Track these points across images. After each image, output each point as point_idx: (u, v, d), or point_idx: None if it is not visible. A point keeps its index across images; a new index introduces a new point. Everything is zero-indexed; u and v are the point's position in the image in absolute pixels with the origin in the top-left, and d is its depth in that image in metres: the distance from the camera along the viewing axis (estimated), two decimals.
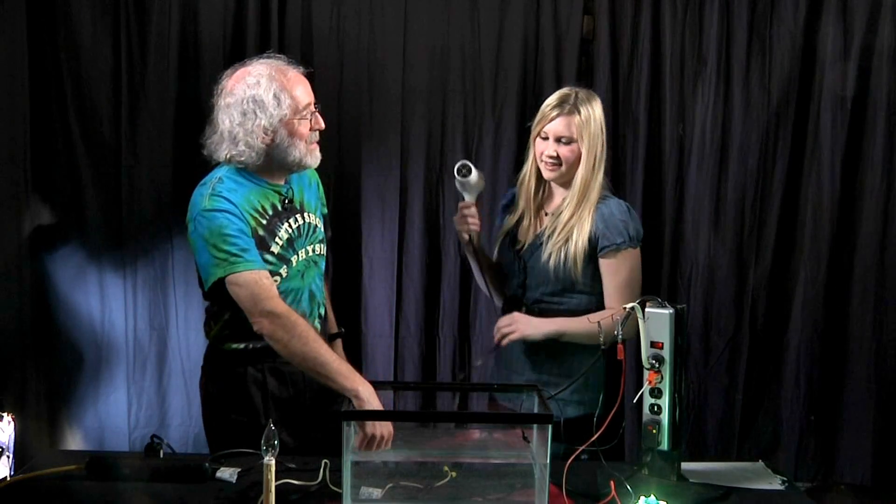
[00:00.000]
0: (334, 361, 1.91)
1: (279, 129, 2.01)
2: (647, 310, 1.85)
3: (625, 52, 3.05)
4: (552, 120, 2.18)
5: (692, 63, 3.04)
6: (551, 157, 2.19)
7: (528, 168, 2.28)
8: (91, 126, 2.98)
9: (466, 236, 2.30)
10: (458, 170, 2.24)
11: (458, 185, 2.26)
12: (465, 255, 3.08)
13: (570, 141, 2.16)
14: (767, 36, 3.01)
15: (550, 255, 2.17)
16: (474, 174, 2.24)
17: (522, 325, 2.19)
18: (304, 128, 2.04)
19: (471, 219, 2.29)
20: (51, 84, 2.95)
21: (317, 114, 2.08)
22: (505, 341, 2.20)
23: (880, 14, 2.97)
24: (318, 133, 2.10)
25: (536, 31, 3.04)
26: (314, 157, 2.09)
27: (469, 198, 2.28)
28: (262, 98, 1.98)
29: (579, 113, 2.15)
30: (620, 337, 1.89)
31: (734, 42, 3.02)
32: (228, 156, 2.02)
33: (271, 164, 2.06)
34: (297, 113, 2.02)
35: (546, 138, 2.20)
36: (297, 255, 2.11)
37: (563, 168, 2.19)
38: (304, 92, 2.04)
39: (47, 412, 3.02)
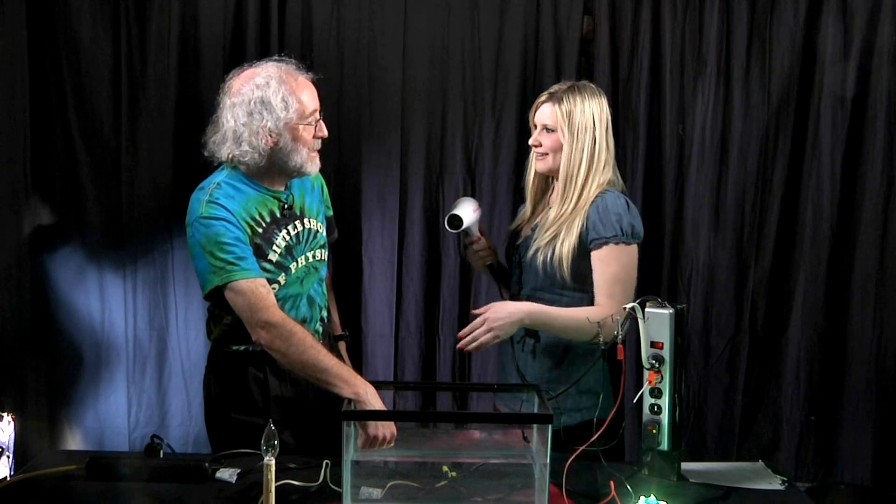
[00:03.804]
0: (334, 367, 1.91)
1: (283, 133, 2.00)
2: (647, 310, 1.85)
3: (625, 52, 3.04)
4: (539, 108, 2.18)
5: (692, 63, 3.03)
6: (534, 145, 2.19)
7: (530, 161, 2.27)
8: (91, 126, 2.98)
9: (485, 268, 2.33)
10: (448, 223, 2.20)
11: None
12: (466, 257, 3.10)
13: (552, 129, 2.14)
14: (767, 36, 3.01)
15: (538, 250, 2.14)
16: (467, 218, 2.21)
17: (492, 329, 2.05)
18: (307, 134, 2.04)
19: (481, 252, 2.31)
20: (51, 84, 2.95)
21: (321, 122, 2.08)
22: (476, 345, 2.07)
23: (880, 14, 2.97)
24: (319, 141, 2.09)
25: (536, 31, 3.04)
26: (314, 165, 2.09)
27: (473, 231, 2.28)
28: (270, 100, 1.98)
29: (561, 102, 2.13)
30: (620, 337, 1.89)
31: (734, 42, 3.02)
32: (231, 155, 2.02)
33: (272, 168, 2.05)
34: (302, 118, 2.01)
35: (535, 129, 2.20)
36: (297, 263, 2.10)
37: (549, 158, 2.17)
38: (310, 98, 2.04)
39: (47, 412, 3.02)
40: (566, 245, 2.10)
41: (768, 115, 3.04)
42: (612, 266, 2.10)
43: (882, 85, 2.99)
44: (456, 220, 2.20)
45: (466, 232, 2.27)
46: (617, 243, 2.09)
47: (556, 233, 2.12)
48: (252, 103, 1.98)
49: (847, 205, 3.06)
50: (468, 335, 2.07)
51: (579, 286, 2.14)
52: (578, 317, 2.04)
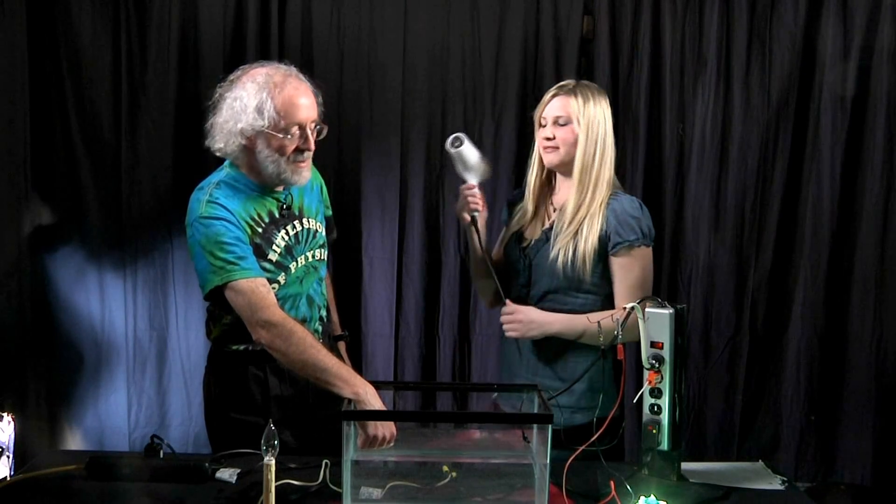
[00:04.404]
0: (334, 366, 1.91)
1: (258, 139, 1.98)
2: (647, 310, 1.85)
3: (625, 52, 3.05)
4: (549, 102, 2.15)
5: (692, 63, 3.04)
6: (548, 138, 2.14)
7: (532, 161, 2.23)
8: (91, 126, 2.98)
9: (468, 217, 2.21)
10: (451, 142, 2.16)
11: (454, 161, 2.18)
12: (465, 257, 3.09)
13: (566, 122, 2.11)
14: (767, 36, 3.01)
15: (559, 252, 2.11)
16: (467, 146, 2.16)
17: (521, 325, 2.15)
18: (286, 144, 1.98)
19: (471, 199, 2.19)
20: (51, 85, 2.95)
21: (308, 134, 2.00)
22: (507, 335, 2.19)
23: (880, 14, 2.97)
24: (307, 153, 2.03)
25: (536, 32, 3.04)
26: (299, 175, 2.03)
27: (472, 179, 2.20)
28: (246, 104, 1.96)
29: (576, 95, 2.11)
30: (620, 338, 1.89)
31: (734, 42, 3.02)
32: (216, 145, 2.02)
33: (260, 170, 2.04)
34: (276, 128, 1.96)
35: (545, 125, 2.16)
36: (296, 262, 2.10)
37: (562, 151, 2.13)
38: (297, 109, 1.97)
39: (47, 412, 3.02)
40: (588, 243, 2.09)
41: (768, 115, 3.04)
42: (634, 270, 2.11)
43: (882, 85, 2.99)
44: (457, 141, 2.15)
45: (466, 176, 2.19)
46: (638, 246, 2.10)
47: (576, 230, 2.11)
48: (234, 101, 1.98)
49: (847, 205, 3.06)
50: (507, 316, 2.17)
51: (595, 288, 2.14)
52: (606, 323, 2.02)
